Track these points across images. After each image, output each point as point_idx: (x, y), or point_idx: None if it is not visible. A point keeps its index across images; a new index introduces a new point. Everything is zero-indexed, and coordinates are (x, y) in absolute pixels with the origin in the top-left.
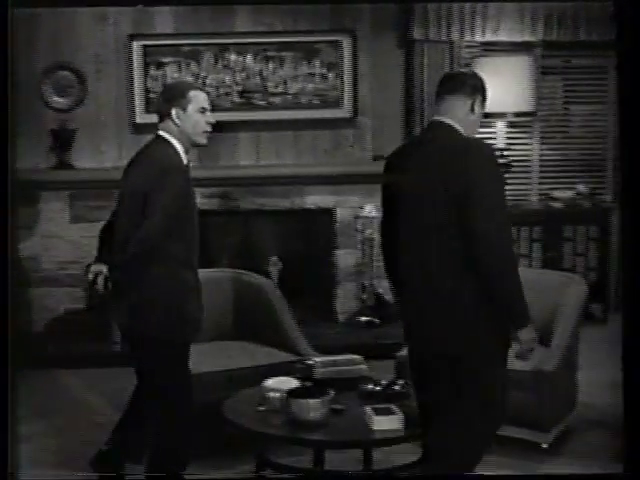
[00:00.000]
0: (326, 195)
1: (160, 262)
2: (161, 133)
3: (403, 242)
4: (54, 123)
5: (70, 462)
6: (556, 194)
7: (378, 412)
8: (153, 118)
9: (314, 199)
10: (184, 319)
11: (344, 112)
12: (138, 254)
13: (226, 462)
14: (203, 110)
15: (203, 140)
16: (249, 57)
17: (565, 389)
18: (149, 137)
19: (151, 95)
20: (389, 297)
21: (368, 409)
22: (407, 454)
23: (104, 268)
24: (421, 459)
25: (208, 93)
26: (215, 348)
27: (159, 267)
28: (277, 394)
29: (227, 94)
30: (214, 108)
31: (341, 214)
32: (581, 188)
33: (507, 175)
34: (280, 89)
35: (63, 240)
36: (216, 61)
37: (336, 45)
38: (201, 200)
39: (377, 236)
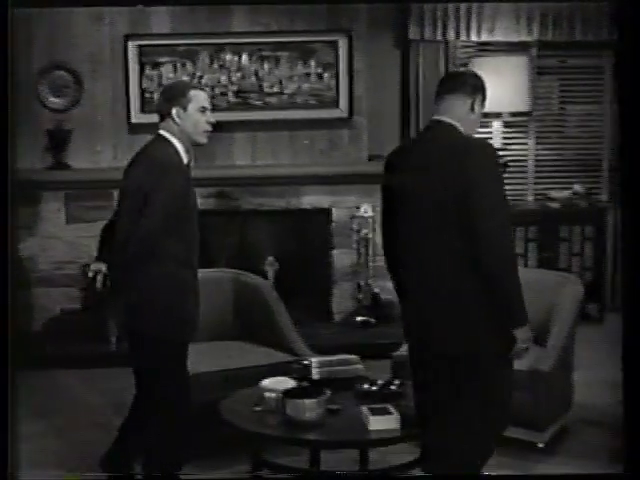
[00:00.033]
0: (322, 195)
1: (159, 261)
2: (162, 132)
3: (405, 242)
4: (50, 123)
5: (68, 462)
6: (552, 194)
7: (374, 412)
8: (149, 118)
9: (310, 199)
10: (182, 319)
11: (340, 112)
12: (137, 253)
13: (222, 462)
14: (203, 109)
15: (203, 139)
16: (245, 57)
17: (561, 389)
18: (145, 137)
19: (147, 95)
20: (385, 297)
21: (364, 409)
22: (403, 454)
23: (103, 267)
24: (419, 459)
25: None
26: (212, 348)
27: (158, 266)
28: (273, 394)
29: (223, 94)
30: None
31: (337, 214)
32: (577, 188)
33: (503, 175)
34: (276, 89)
35: (59, 240)
36: (212, 61)
37: (332, 45)
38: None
39: (373, 236)
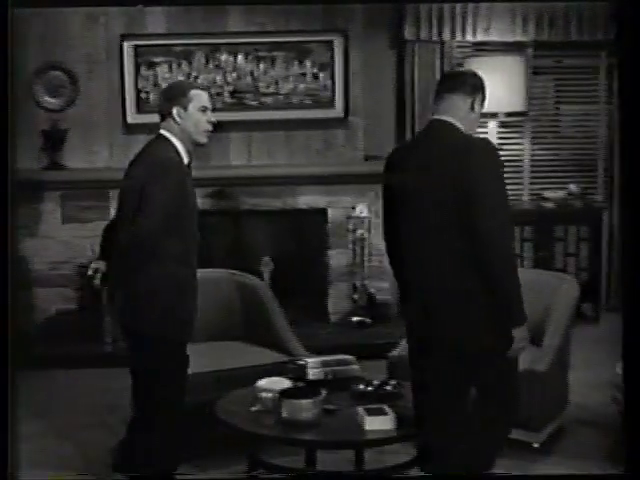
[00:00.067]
0: (318, 195)
1: (159, 261)
2: (162, 132)
3: (406, 241)
4: (46, 123)
5: (66, 462)
6: (547, 194)
7: (370, 412)
8: (145, 118)
9: (306, 199)
10: (181, 318)
11: (336, 112)
12: (136, 252)
13: (218, 462)
14: (204, 109)
15: (204, 139)
16: (240, 57)
17: (557, 389)
18: (141, 137)
19: (142, 95)
20: (381, 297)
21: (360, 409)
22: (399, 454)
23: (103, 265)
24: (417, 459)
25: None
26: (208, 348)
27: (157, 266)
28: (269, 394)
29: (218, 94)
30: None
31: (333, 214)
32: (572, 188)
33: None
34: (272, 89)
35: (54, 240)
36: (207, 61)
37: (328, 45)
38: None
39: (369, 236)
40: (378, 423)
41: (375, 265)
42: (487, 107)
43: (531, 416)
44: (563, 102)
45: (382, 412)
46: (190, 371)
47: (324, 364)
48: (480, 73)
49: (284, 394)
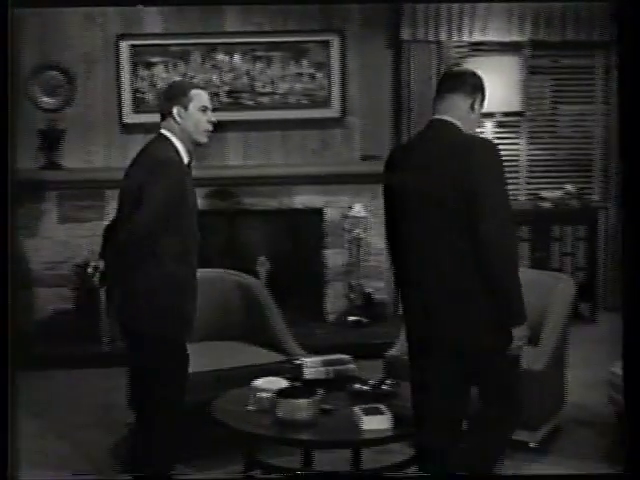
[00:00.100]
0: (315, 195)
1: (157, 260)
2: (163, 132)
3: (407, 240)
4: (43, 123)
5: (63, 462)
6: (544, 194)
7: (367, 412)
8: (142, 118)
9: (303, 199)
10: (180, 317)
11: (333, 112)
12: (128, 246)
13: (215, 462)
14: (204, 109)
15: (204, 139)
16: (237, 57)
17: (553, 388)
18: (138, 137)
19: (139, 95)
20: (377, 297)
21: (357, 409)
22: (396, 454)
23: (102, 264)
24: (415, 458)
25: None
26: (204, 348)
27: (156, 265)
28: (266, 394)
29: (215, 94)
30: None
31: (330, 214)
32: (569, 188)
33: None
34: (268, 89)
35: (51, 240)
36: (204, 61)
37: (325, 45)
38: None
39: (365, 236)
40: (375, 422)
41: (372, 265)
42: (484, 107)
43: (528, 415)
44: (560, 102)
45: (379, 412)
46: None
47: (321, 364)
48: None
49: (281, 394)
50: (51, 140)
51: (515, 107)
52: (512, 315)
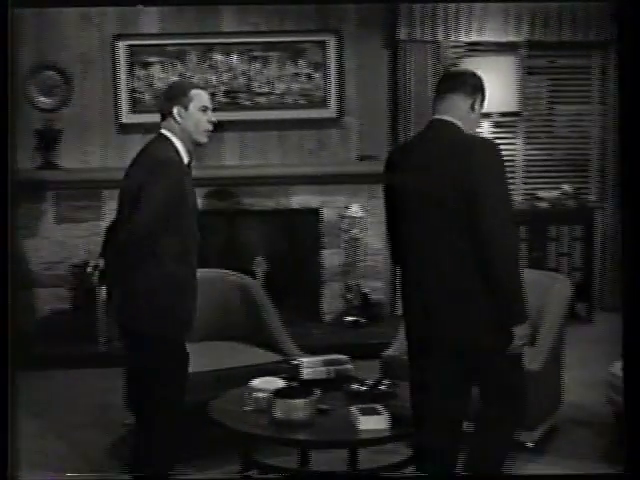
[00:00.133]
0: (312, 195)
1: (156, 259)
2: (163, 132)
3: (408, 240)
4: (39, 123)
5: (58, 462)
6: (541, 194)
7: (364, 412)
8: (139, 118)
9: (299, 199)
10: (177, 316)
11: (329, 112)
12: (127, 246)
13: (212, 462)
14: (205, 109)
15: (204, 139)
16: (234, 57)
17: (550, 388)
18: (135, 137)
19: (136, 95)
20: (374, 297)
21: (354, 409)
22: (393, 454)
23: (102, 263)
24: (412, 458)
25: None
26: (201, 348)
27: (155, 264)
28: (263, 394)
29: (212, 94)
30: None
31: (327, 214)
32: (566, 188)
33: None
34: (265, 89)
35: (48, 240)
36: (201, 61)
37: (322, 45)
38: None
39: (363, 236)
40: (372, 423)
41: (369, 265)
42: None
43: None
44: (556, 102)
45: (376, 412)
46: None
47: (318, 364)
48: None
49: (278, 394)
50: (48, 140)
51: (512, 107)
52: (513, 314)
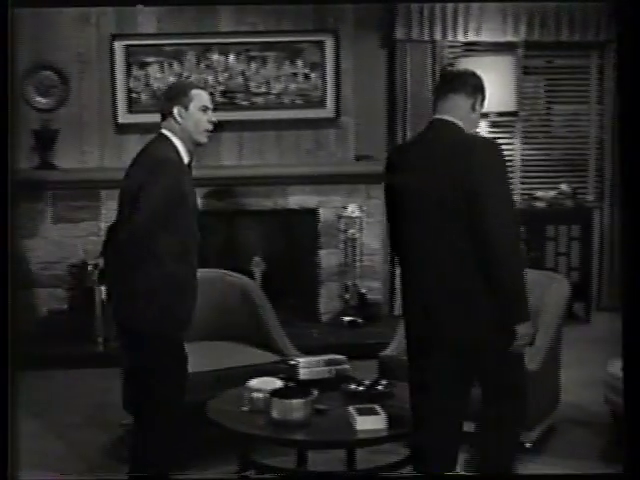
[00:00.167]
0: (309, 195)
1: (154, 257)
2: (163, 131)
3: (409, 240)
4: (36, 123)
5: (56, 462)
6: (538, 194)
7: (361, 412)
8: (136, 118)
9: (297, 199)
10: (176, 316)
11: (327, 112)
12: (126, 245)
13: (210, 462)
14: (205, 109)
15: (204, 139)
16: (232, 57)
17: (548, 388)
18: (132, 137)
19: (134, 95)
20: (372, 297)
21: (351, 409)
22: (390, 454)
23: (102, 262)
24: (409, 458)
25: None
26: (198, 348)
27: (152, 262)
28: (261, 394)
29: (210, 94)
30: None
31: (324, 214)
32: (563, 188)
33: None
34: (263, 89)
35: (45, 240)
36: (199, 61)
37: (319, 45)
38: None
39: (360, 236)
40: (369, 423)
41: (366, 265)
42: None
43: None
44: (554, 102)
45: (373, 412)
46: None
47: (315, 364)
48: None
49: (275, 394)
50: (45, 140)
51: (509, 107)
52: (517, 313)
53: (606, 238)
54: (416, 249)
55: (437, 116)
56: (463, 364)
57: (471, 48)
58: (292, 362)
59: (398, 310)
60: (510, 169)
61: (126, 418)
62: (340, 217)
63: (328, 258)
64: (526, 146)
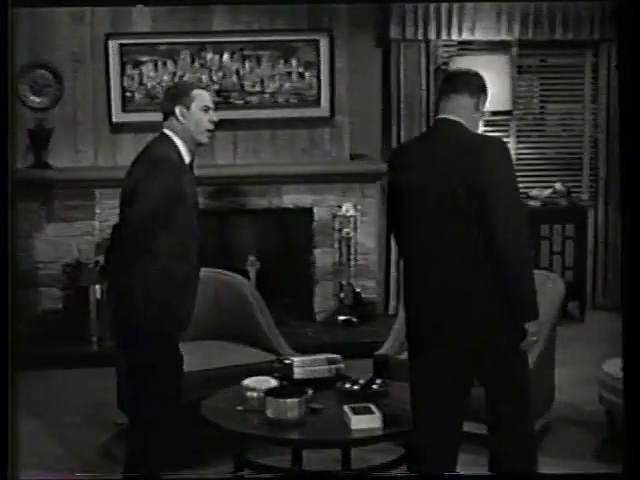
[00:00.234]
0: (304, 194)
1: (150, 254)
2: (165, 131)
3: (413, 239)
4: (31, 122)
5: (54, 462)
6: (533, 193)
7: (356, 411)
8: (130, 117)
9: (292, 198)
10: (174, 313)
11: (321, 111)
12: (123, 240)
13: (204, 461)
14: (206, 109)
15: (204, 139)
16: (226, 56)
17: (542, 387)
18: (126, 136)
19: (128, 94)
20: (367, 296)
21: (346, 408)
22: (386, 453)
23: (102, 259)
24: (404, 457)
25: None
26: (193, 348)
27: (150, 259)
28: (255, 394)
29: None
30: None
31: (319, 213)
32: (558, 187)
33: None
34: (257, 88)
35: (39, 240)
36: (193, 60)
37: (313, 44)
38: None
39: (355, 235)
40: (364, 422)
41: (361, 264)
42: None
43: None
44: (548, 101)
45: (368, 411)
46: None
47: (310, 363)
48: None
49: (270, 393)
50: (39, 139)
51: (504, 106)
52: (527, 311)
53: (600, 237)
54: (419, 248)
55: (441, 116)
56: (464, 364)
57: (465, 47)
58: (287, 361)
59: (393, 309)
60: None
61: (121, 417)
62: (335, 216)
63: (323, 257)
64: (520, 145)
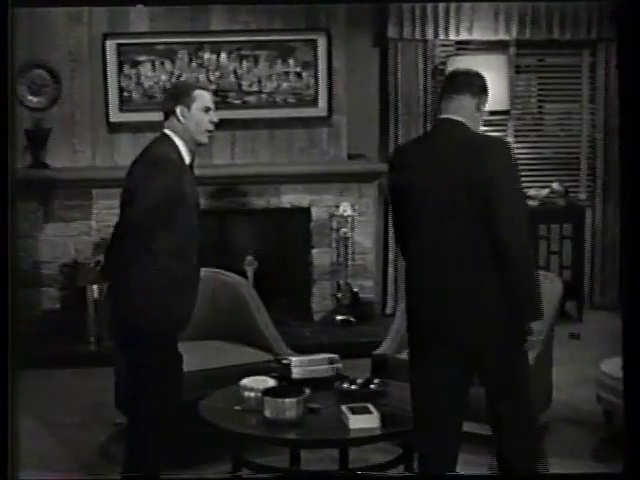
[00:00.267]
0: (301, 194)
1: (150, 254)
2: (166, 131)
3: (416, 239)
4: (28, 122)
5: (53, 462)
6: (531, 192)
7: (354, 411)
8: (128, 117)
9: (289, 198)
10: (173, 313)
11: (319, 111)
12: (121, 239)
13: (203, 462)
14: (207, 109)
15: (204, 139)
16: (224, 56)
17: (540, 386)
18: (124, 136)
19: (125, 94)
20: (365, 296)
21: (344, 408)
22: (384, 453)
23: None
24: (401, 457)
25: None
26: (191, 348)
27: (149, 259)
28: (253, 393)
29: None
30: None
31: (316, 213)
32: (555, 186)
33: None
34: (255, 88)
35: (37, 240)
36: (191, 60)
37: (311, 44)
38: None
39: (352, 235)
40: (362, 422)
41: (359, 264)
42: None
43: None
44: (546, 100)
45: (366, 411)
46: None
47: (308, 363)
48: None
49: (268, 393)
50: (37, 139)
51: (501, 106)
52: (531, 311)
53: (598, 237)
54: (420, 248)
55: (443, 116)
56: (465, 364)
57: (463, 47)
58: (285, 361)
59: (390, 309)
60: None
61: (119, 417)
62: (332, 216)
63: (320, 257)
64: (518, 145)
